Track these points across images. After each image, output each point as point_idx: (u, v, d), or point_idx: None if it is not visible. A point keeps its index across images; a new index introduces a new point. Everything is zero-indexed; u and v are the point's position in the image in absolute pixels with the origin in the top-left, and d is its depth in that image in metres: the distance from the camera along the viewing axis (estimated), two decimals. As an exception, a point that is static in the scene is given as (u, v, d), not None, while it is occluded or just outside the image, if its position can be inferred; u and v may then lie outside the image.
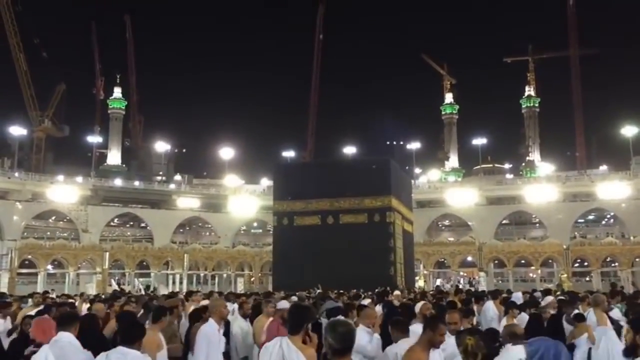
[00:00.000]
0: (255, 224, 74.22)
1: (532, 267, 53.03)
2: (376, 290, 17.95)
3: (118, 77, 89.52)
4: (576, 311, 8.66)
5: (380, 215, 30.33)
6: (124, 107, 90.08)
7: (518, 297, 12.86)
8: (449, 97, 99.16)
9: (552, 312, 9.49)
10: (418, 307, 7.89)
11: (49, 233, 64.91)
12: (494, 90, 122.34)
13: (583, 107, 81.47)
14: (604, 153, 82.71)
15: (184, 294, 16.64)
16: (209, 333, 6.90)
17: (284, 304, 8.85)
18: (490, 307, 10.61)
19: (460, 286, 43.82)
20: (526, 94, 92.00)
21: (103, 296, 18.87)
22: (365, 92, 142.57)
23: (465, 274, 57.33)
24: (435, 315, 6.72)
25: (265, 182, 75.33)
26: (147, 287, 47.18)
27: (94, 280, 50.69)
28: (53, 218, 66.74)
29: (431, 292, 17.57)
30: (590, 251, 50.57)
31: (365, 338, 6.53)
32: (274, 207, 33.96)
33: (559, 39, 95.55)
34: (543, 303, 11.05)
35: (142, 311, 9.81)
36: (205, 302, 10.94)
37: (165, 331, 8.56)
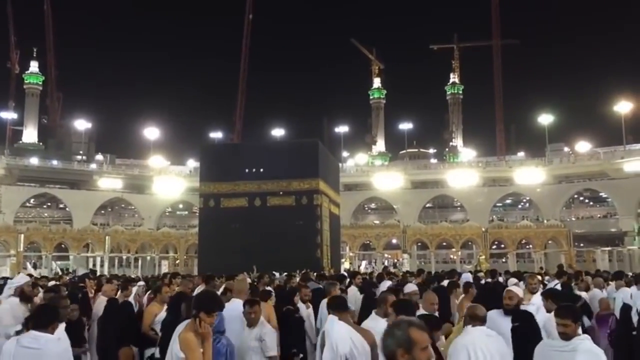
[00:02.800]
0: (180, 206, 72.94)
1: (453, 249, 54.99)
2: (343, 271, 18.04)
3: (35, 50, 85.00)
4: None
5: (307, 197, 30.39)
6: (41, 83, 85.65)
7: (468, 278, 13.19)
8: (377, 82, 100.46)
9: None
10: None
11: (-43, 214, 61.22)
12: (420, 76, 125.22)
13: (503, 95, 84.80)
14: (521, 140, 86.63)
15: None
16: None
17: (412, 287, 8.49)
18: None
19: (390, 268, 44.76)
20: (451, 81, 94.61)
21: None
22: (294, 75, 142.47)
23: (389, 256, 58.67)
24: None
25: (192, 163, 74.04)
26: (65, 270, 45.40)
27: (7, 264, 48.31)
28: (-38, 198, 62.96)
29: (379, 274, 17.69)
30: (506, 234, 52.89)
31: None
32: (200, 188, 33.36)
33: (483, 29, 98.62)
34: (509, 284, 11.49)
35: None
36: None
37: None
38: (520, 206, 73.59)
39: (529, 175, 65.66)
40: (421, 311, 6.68)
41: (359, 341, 5.07)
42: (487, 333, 5.24)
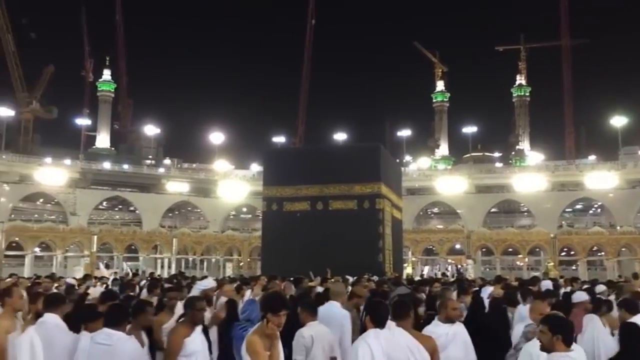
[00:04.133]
0: (244, 209, 74.19)
1: (520, 255, 53.49)
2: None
3: (107, 59, 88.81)
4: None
5: (369, 201, 30.23)
6: (113, 90, 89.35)
7: (548, 285, 12.67)
8: (440, 85, 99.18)
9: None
10: None
11: (36, 215, 64.56)
12: (485, 78, 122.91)
13: (573, 96, 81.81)
14: (593, 143, 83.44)
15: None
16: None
17: (583, 296, 8.06)
18: None
19: (448, 274, 44.02)
20: (517, 82, 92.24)
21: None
22: (356, 79, 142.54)
23: (453, 262, 57.65)
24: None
25: (255, 167, 75.21)
26: (137, 271, 47.04)
27: (82, 264, 50.55)
28: (41, 200, 66.30)
29: (452, 280, 17.12)
30: (577, 240, 50.97)
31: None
32: (263, 192, 33.76)
33: (551, 28, 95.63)
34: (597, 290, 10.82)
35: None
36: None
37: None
38: (591, 212, 70.76)
39: (600, 179, 63.10)
40: (528, 321, 6.48)
41: (415, 348, 4.98)
42: None
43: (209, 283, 9.00)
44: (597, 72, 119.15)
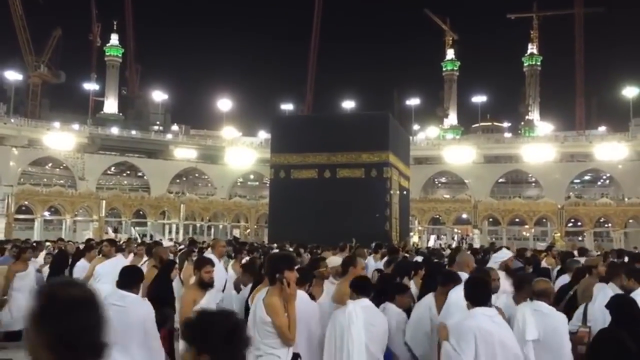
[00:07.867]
0: (251, 176, 74.37)
1: (526, 226, 53.57)
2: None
3: (115, 23, 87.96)
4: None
5: (377, 170, 30.23)
6: (120, 55, 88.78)
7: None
8: (450, 54, 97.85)
9: None
10: None
11: (45, 180, 64.92)
12: (496, 47, 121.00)
13: (585, 67, 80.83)
14: (603, 114, 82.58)
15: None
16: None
17: None
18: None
19: (454, 244, 44.32)
20: (528, 52, 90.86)
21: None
22: (365, 47, 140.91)
23: (459, 231, 57.86)
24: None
25: (263, 134, 75.08)
26: (144, 236, 47.57)
27: (90, 228, 51.08)
28: (49, 165, 66.59)
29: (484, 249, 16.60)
30: (584, 211, 50.96)
31: None
32: (271, 159, 33.80)
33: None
34: None
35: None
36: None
37: None
38: (600, 183, 70.51)
39: (610, 150, 62.64)
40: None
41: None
42: (536, 307, 5.11)
43: (507, 254, 8.17)
44: (610, 42, 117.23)
